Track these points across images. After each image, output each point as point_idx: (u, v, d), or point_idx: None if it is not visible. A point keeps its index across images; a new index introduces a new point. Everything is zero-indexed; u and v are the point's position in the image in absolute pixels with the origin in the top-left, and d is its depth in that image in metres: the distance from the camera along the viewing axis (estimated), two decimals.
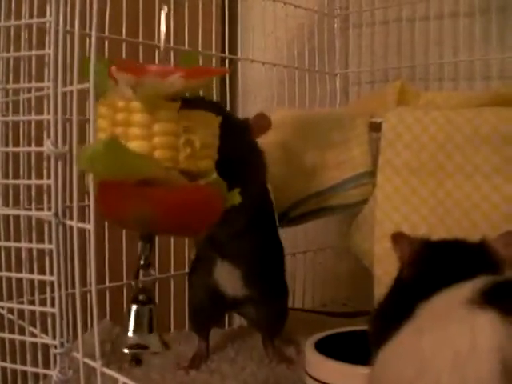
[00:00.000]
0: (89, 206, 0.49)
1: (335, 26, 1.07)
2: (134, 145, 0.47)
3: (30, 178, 0.59)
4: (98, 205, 0.47)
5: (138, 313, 0.53)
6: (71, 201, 0.53)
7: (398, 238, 0.56)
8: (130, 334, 0.53)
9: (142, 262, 0.53)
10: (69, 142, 0.52)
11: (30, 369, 0.58)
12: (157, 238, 0.78)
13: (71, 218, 0.52)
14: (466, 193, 0.66)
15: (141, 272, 0.54)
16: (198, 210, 0.48)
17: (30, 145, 0.59)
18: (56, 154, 0.52)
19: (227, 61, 0.93)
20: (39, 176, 0.57)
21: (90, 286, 0.50)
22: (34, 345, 0.61)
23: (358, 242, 0.75)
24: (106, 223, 0.71)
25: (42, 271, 0.58)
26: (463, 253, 0.53)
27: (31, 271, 0.59)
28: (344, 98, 1.08)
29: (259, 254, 0.74)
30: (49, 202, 0.54)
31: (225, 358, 0.81)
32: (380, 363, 0.47)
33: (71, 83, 0.51)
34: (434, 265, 0.52)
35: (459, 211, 0.66)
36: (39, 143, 0.58)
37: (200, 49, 0.88)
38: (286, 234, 0.88)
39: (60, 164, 0.52)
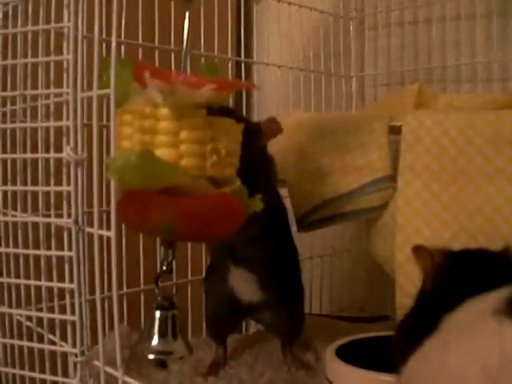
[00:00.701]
0: (108, 212, 0.49)
1: (351, 28, 1.06)
2: (161, 152, 0.47)
3: (48, 184, 0.58)
4: (120, 212, 0.47)
5: (161, 318, 0.52)
6: (89, 207, 0.52)
7: (418, 250, 0.55)
8: (156, 340, 0.52)
9: (164, 268, 0.53)
10: (87, 149, 0.52)
11: (49, 377, 0.58)
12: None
13: (90, 225, 0.52)
14: (488, 196, 0.64)
15: (161, 278, 0.54)
16: (224, 217, 0.48)
17: (48, 151, 0.58)
18: (76, 160, 0.51)
19: (243, 64, 0.93)
20: (58, 183, 0.57)
21: (110, 292, 0.50)
22: (53, 353, 0.60)
23: (379, 247, 0.74)
24: (124, 229, 0.71)
25: (60, 278, 0.58)
26: (486, 262, 0.52)
27: (50, 279, 0.58)
28: (360, 101, 1.07)
29: (273, 258, 0.74)
30: (68, 208, 0.53)
31: (243, 364, 0.81)
32: (406, 378, 0.46)
33: (89, 89, 0.51)
34: (458, 276, 0.51)
35: (482, 216, 0.64)
36: (57, 150, 0.57)
37: (216, 52, 0.88)
38: (303, 238, 0.88)
39: (80, 170, 0.52)
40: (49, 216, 0.59)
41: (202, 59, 0.83)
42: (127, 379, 0.50)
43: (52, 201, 0.57)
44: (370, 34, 1.07)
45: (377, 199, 0.74)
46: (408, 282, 0.68)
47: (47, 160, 0.58)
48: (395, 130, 0.74)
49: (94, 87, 0.49)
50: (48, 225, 0.60)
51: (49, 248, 0.58)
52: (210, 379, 0.76)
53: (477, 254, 0.53)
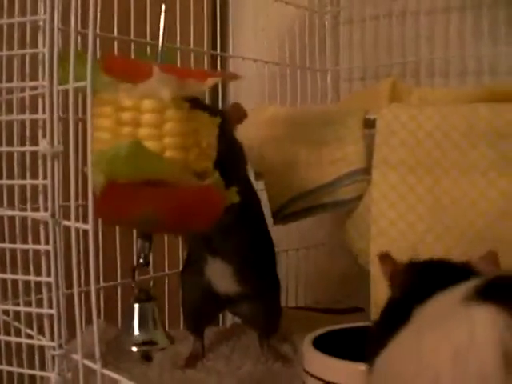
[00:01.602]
0: (84, 206, 0.49)
1: (326, 22, 1.07)
2: (145, 145, 0.47)
3: (24, 178, 0.58)
4: (99, 205, 0.47)
5: (141, 311, 0.52)
6: (65, 201, 0.52)
7: (384, 258, 0.55)
8: (136, 332, 0.52)
9: (141, 261, 0.53)
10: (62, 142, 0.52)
11: (27, 371, 0.58)
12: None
13: (66, 219, 0.52)
14: (462, 190, 0.66)
15: (137, 271, 0.54)
16: (204, 209, 0.49)
17: (23, 145, 0.58)
18: (52, 153, 0.51)
19: (219, 58, 0.93)
20: (33, 176, 0.57)
21: (87, 286, 0.50)
22: (30, 347, 0.60)
23: (354, 239, 0.75)
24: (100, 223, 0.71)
25: (36, 272, 0.57)
26: (448, 274, 0.53)
27: (26, 273, 0.58)
28: (335, 95, 1.08)
29: (249, 250, 0.74)
30: (45, 202, 0.53)
31: (220, 356, 0.81)
32: (380, 365, 0.47)
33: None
34: (419, 287, 0.52)
35: (456, 209, 0.66)
36: (33, 143, 0.57)
37: (192, 46, 0.88)
38: (279, 231, 0.88)
39: (56, 163, 0.51)
40: (25, 210, 0.58)
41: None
42: (106, 372, 0.50)
43: (28, 194, 0.57)
44: (345, 29, 1.08)
45: (353, 191, 0.75)
46: (382, 275, 0.69)
47: (23, 154, 0.58)
48: (370, 124, 0.75)
49: (70, 80, 0.49)
50: (24, 218, 0.60)
51: (25, 242, 0.58)
52: (188, 372, 0.76)
53: (439, 266, 0.54)
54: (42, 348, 0.58)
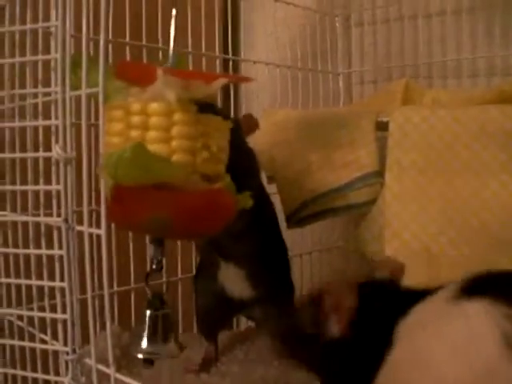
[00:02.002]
0: (96, 211, 0.49)
1: (337, 25, 1.07)
2: (152, 148, 0.47)
3: (37, 184, 0.58)
4: (110, 210, 0.47)
5: (152, 318, 0.52)
6: (78, 206, 0.52)
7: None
8: (145, 341, 0.52)
9: (154, 266, 0.53)
10: (75, 147, 0.52)
11: (41, 376, 0.58)
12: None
13: (79, 224, 0.52)
14: (474, 191, 0.65)
15: (151, 276, 0.54)
16: (216, 213, 0.49)
17: (36, 151, 0.58)
18: (65, 158, 0.51)
19: (230, 62, 0.93)
20: (47, 182, 0.57)
21: (101, 290, 0.50)
22: (44, 352, 0.60)
23: (367, 242, 0.74)
24: (114, 228, 0.72)
25: (50, 277, 0.58)
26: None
27: (39, 278, 0.58)
28: (347, 98, 1.07)
29: (263, 254, 0.74)
30: (58, 207, 0.53)
31: (234, 360, 0.81)
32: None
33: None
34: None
35: (468, 210, 0.65)
36: (46, 149, 0.57)
37: (203, 50, 0.88)
38: (293, 235, 0.88)
39: (69, 169, 0.52)
40: (38, 215, 0.59)
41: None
42: (119, 376, 0.50)
43: (41, 200, 0.57)
44: (357, 31, 1.07)
45: (365, 195, 0.74)
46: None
47: (36, 159, 0.58)
48: (382, 126, 0.75)
49: (82, 86, 0.49)
50: (37, 224, 0.60)
51: (38, 247, 0.58)
52: (202, 376, 0.76)
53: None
54: (56, 353, 0.59)
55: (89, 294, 0.51)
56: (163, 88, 0.47)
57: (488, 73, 0.93)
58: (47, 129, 0.56)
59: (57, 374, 0.59)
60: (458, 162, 0.67)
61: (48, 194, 0.57)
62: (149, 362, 0.63)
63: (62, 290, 0.54)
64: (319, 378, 0.56)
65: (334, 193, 0.76)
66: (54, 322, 0.56)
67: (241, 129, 0.65)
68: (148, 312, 0.53)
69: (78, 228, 0.52)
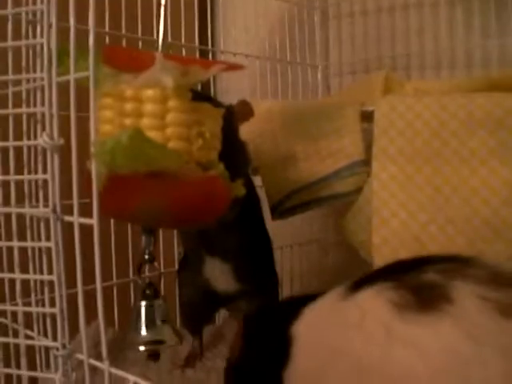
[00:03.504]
0: (85, 203, 0.47)
1: (315, 17, 1.06)
2: (147, 136, 0.46)
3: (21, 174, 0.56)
4: (102, 199, 0.45)
5: (148, 308, 0.51)
6: (63, 197, 0.51)
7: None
8: (144, 330, 0.51)
9: (146, 257, 0.51)
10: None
11: (30, 373, 0.56)
12: (160, 233, 0.76)
13: (68, 214, 0.50)
14: (463, 178, 0.65)
15: (146, 267, 0.53)
16: (211, 201, 0.48)
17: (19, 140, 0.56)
18: (53, 146, 0.49)
19: (210, 54, 0.92)
20: (30, 173, 0.55)
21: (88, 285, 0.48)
22: (29, 349, 0.58)
23: (354, 232, 0.74)
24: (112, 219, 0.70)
25: (34, 272, 0.56)
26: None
27: (24, 272, 0.56)
28: (325, 90, 1.07)
29: (249, 247, 0.73)
30: (45, 198, 0.51)
31: (219, 355, 0.80)
32: None
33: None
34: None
35: (458, 197, 0.65)
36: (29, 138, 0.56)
37: (183, 41, 0.87)
38: (272, 228, 0.88)
39: (57, 158, 0.50)
40: (23, 207, 0.56)
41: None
42: (114, 371, 0.49)
43: (26, 190, 0.55)
44: (334, 24, 1.07)
45: (352, 184, 0.74)
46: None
47: (19, 149, 0.56)
48: (367, 116, 0.75)
49: (71, 71, 0.48)
50: (20, 217, 0.58)
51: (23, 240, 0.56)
52: (188, 372, 0.75)
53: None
54: (40, 349, 0.57)
55: (79, 287, 0.49)
56: (161, 73, 0.46)
57: (467, 64, 0.94)
58: (28, 117, 0.55)
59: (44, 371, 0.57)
60: (445, 150, 0.67)
61: (31, 184, 0.55)
62: (154, 356, 0.62)
63: (51, 283, 0.52)
64: None
65: (320, 183, 0.75)
66: (40, 317, 0.55)
67: (234, 117, 0.64)
68: (143, 302, 0.51)
69: (68, 218, 0.50)
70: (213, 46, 0.95)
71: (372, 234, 0.69)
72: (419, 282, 0.44)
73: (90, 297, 0.51)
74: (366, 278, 0.48)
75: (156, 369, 0.73)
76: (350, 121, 0.75)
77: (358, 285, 0.48)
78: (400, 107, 0.71)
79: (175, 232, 0.85)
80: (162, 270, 0.88)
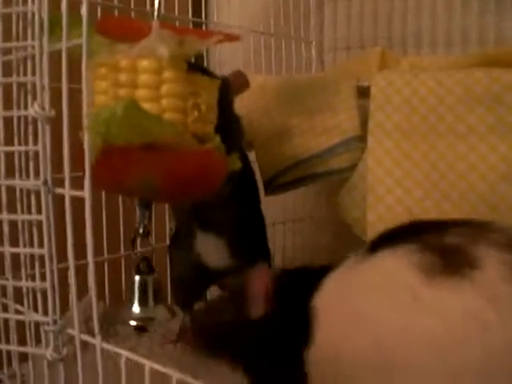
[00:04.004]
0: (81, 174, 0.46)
1: None
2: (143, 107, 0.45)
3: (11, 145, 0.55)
4: (96, 171, 0.44)
5: (141, 283, 0.50)
6: (57, 170, 0.49)
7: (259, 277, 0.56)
8: (136, 305, 0.50)
9: (140, 231, 0.51)
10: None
11: (20, 349, 0.55)
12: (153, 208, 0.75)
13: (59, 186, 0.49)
14: (460, 154, 0.65)
15: (138, 241, 0.52)
16: (207, 174, 0.47)
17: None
18: (44, 117, 0.48)
19: (204, 26, 0.90)
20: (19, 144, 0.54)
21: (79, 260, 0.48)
22: (18, 323, 0.57)
23: (348, 209, 0.73)
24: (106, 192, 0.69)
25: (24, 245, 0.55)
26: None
27: (14, 246, 0.55)
28: (319, 65, 1.06)
29: (243, 222, 0.72)
30: (36, 171, 0.50)
31: None
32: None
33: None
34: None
35: (454, 173, 0.65)
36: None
37: (176, 13, 0.85)
38: (265, 205, 0.87)
39: (48, 129, 0.49)
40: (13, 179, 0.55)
41: None
42: (106, 346, 0.48)
43: (16, 163, 0.54)
44: None
45: (347, 160, 0.73)
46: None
47: (8, 120, 0.55)
48: (363, 92, 0.74)
49: (63, 39, 0.46)
50: (9, 189, 0.57)
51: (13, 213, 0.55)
52: (180, 346, 0.74)
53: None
54: (30, 325, 0.56)
55: (70, 261, 0.48)
56: (157, 43, 0.45)
57: (463, 42, 0.92)
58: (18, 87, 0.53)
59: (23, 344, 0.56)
60: (442, 126, 0.66)
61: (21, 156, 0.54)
62: (141, 329, 0.61)
63: (42, 257, 0.51)
64: (245, 374, 0.57)
65: (315, 158, 0.74)
66: (28, 292, 0.54)
67: (229, 89, 0.63)
68: (137, 277, 0.51)
69: (59, 191, 0.49)
70: (206, 18, 0.93)
71: (367, 211, 0.69)
72: (443, 244, 0.43)
73: (80, 272, 0.50)
74: (383, 238, 0.47)
75: (148, 343, 0.73)
76: (346, 96, 0.74)
77: (375, 246, 0.47)
78: (397, 82, 0.70)
79: (167, 206, 0.84)
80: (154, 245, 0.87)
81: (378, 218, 0.68)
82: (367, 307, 0.44)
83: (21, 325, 0.57)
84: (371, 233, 0.68)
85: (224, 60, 0.96)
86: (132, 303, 0.51)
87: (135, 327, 0.53)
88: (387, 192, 0.68)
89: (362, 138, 0.72)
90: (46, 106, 0.48)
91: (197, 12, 0.92)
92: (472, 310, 0.40)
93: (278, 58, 0.99)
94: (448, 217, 0.64)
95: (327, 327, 0.47)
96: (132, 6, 0.78)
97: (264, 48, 0.97)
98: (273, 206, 1.00)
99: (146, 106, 0.45)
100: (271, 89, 0.79)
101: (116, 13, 0.74)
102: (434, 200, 0.65)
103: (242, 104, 0.74)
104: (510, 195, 0.61)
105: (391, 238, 0.47)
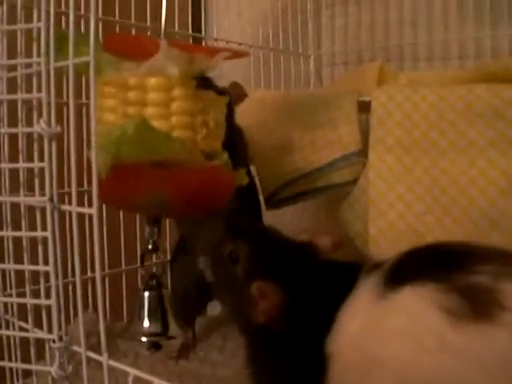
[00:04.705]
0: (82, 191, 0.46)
1: (308, 6, 1.05)
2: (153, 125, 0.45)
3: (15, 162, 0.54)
4: (106, 189, 0.44)
5: (151, 299, 0.50)
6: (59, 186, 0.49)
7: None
8: (146, 321, 0.50)
9: (149, 247, 0.51)
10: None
11: (24, 366, 0.55)
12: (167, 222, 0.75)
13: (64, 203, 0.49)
14: (461, 169, 0.65)
15: (149, 257, 0.52)
16: (216, 190, 0.47)
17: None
18: (50, 134, 0.48)
19: (203, 42, 0.91)
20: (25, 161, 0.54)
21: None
22: (23, 341, 0.57)
23: (350, 223, 0.73)
24: (105, 208, 0.68)
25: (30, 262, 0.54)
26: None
27: (18, 262, 0.55)
28: (317, 80, 1.06)
29: None
30: (41, 187, 0.50)
31: (213, 345, 0.79)
32: None
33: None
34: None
35: (455, 189, 0.65)
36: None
37: (176, 29, 0.85)
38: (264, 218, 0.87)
39: (54, 145, 0.49)
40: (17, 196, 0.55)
41: None
42: (113, 363, 0.48)
43: (21, 179, 0.54)
44: (327, 13, 1.06)
45: (348, 174, 0.73)
46: (382, 255, 0.68)
47: (13, 136, 0.55)
48: (363, 106, 0.74)
49: (70, 56, 0.46)
50: (14, 206, 0.56)
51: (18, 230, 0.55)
52: (182, 362, 0.74)
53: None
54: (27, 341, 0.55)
55: (77, 277, 0.48)
56: (165, 61, 0.45)
57: (460, 55, 0.93)
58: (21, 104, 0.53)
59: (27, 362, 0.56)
60: (443, 141, 0.66)
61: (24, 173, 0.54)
62: (155, 347, 0.61)
63: (46, 274, 0.51)
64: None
65: (316, 173, 0.74)
66: (35, 309, 0.53)
67: (232, 103, 0.63)
68: (146, 293, 0.51)
69: (65, 207, 0.49)
70: (206, 33, 0.93)
71: (369, 225, 0.69)
72: (468, 284, 0.41)
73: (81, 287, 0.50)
74: (403, 267, 0.45)
75: (150, 359, 0.72)
76: (347, 111, 0.74)
77: (393, 280, 0.44)
78: (397, 97, 0.70)
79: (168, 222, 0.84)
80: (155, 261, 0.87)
81: (380, 233, 0.68)
82: (390, 352, 0.42)
83: (21, 341, 0.57)
84: (373, 247, 0.68)
85: (223, 74, 0.96)
86: (142, 319, 0.50)
87: (148, 344, 0.53)
88: (389, 206, 0.68)
89: (363, 153, 0.72)
90: (52, 122, 0.48)
91: (196, 27, 0.92)
92: (505, 354, 0.38)
93: (276, 72, 0.99)
94: (450, 232, 0.64)
95: (345, 373, 0.45)
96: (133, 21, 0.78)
97: (263, 63, 0.97)
98: (271, 220, 1.00)
99: (156, 123, 0.45)
100: (271, 103, 0.80)
101: (117, 29, 0.74)
102: (436, 215, 0.65)
103: (242, 119, 0.74)
104: (511, 210, 0.61)
105: (412, 268, 0.44)
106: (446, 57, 0.95)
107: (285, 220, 1.04)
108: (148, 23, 0.79)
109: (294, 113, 0.78)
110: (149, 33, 0.71)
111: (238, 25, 0.97)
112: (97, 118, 0.45)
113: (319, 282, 0.50)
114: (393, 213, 0.68)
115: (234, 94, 0.64)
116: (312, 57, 1.05)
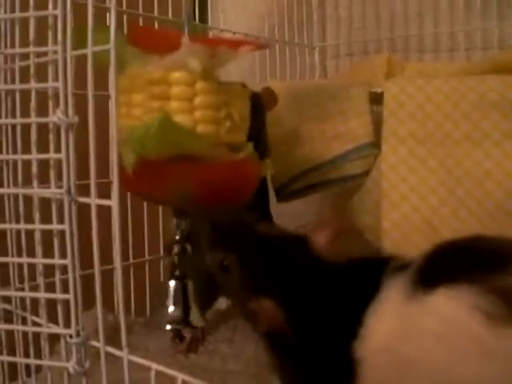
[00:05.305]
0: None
1: None
2: (175, 119, 0.44)
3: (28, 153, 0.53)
4: (132, 183, 0.43)
5: (176, 288, 0.50)
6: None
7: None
8: (171, 309, 0.50)
9: (177, 237, 0.50)
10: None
11: (39, 362, 0.54)
12: None
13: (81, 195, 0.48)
14: (476, 161, 0.65)
15: (174, 247, 0.52)
16: (239, 182, 0.46)
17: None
18: (67, 124, 0.47)
19: (210, 33, 0.90)
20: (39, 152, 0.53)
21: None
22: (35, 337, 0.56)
23: (361, 215, 0.73)
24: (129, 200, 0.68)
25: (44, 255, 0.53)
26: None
27: (32, 255, 0.54)
28: (322, 72, 1.05)
29: None
30: (58, 178, 0.49)
31: (222, 339, 0.78)
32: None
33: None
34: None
35: (470, 180, 0.65)
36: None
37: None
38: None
39: (72, 136, 0.47)
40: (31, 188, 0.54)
41: None
42: (133, 358, 0.47)
43: (34, 171, 0.53)
44: (332, 3, 1.05)
45: (360, 166, 0.73)
46: (395, 249, 0.67)
47: (27, 127, 0.53)
48: (375, 98, 0.74)
49: (89, 44, 0.45)
50: (26, 198, 0.55)
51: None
52: (191, 356, 0.73)
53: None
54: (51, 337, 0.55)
55: (96, 269, 0.47)
56: (188, 57, 0.44)
57: (467, 47, 0.93)
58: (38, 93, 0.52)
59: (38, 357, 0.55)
60: (457, 132, 0.66)
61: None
62: (179, 337, 0.60)
63: (63, 267, 0.50)
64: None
65: (328, 165, 0.74)
66: (49, 303, 0.53)
67: (262, 102, 0.62)
68: (172, 282, 0.51)
69: (84, 200, 0.48)
70: (211, 24, 0.92)
71: (382, 218, 0.68)
72: (507, 286, 0.39)
73: (90, 281, 0.49)
74: (432, 271, 0.43)
75: (160, 353, 0.72)
76: (358, 102, 0.74)
77: (425, 280, 0.42)
78: (410, 89, 0.70)
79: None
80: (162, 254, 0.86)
81: (394, 225, 0.67)
82: (427, 356, 0.40)
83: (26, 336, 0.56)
84: (386, 240, 0.68)
85: (229, 65, 0.95)
86: (166, 308, 0.50)
87: (171, 331, 0.52)
88: (402, 199, 0.67)
89: (375, 145, 0.72)
90: (70, 112, 0.47)
91: (202, 18, 0.91)
92: None
93: (282, 64, 0.98)
94: (465, 224, 0.64)
95: (376, 377, 0.43)
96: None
97: (268, 54, 0.96)
98: (278, 213, 0.99)
99: (179, 118, 0.44)
100: (281, 95, 0.79)
101: (141, 22, 0.73)
102: (451, 207, 0.65)
103: None
104: None
105: (444, 268, 0.42)
106: (453, 48, 0.95)
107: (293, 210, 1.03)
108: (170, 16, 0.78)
109: (304, 104, 0.77)
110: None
111: (244, 16, 0.96)
112: (124, 112, 0.45)
113: (329, 285, 0.48)
114: (406, 205, 0.67)
115: (267, 99, 0.64)
116: (317, 48, 1.04)
